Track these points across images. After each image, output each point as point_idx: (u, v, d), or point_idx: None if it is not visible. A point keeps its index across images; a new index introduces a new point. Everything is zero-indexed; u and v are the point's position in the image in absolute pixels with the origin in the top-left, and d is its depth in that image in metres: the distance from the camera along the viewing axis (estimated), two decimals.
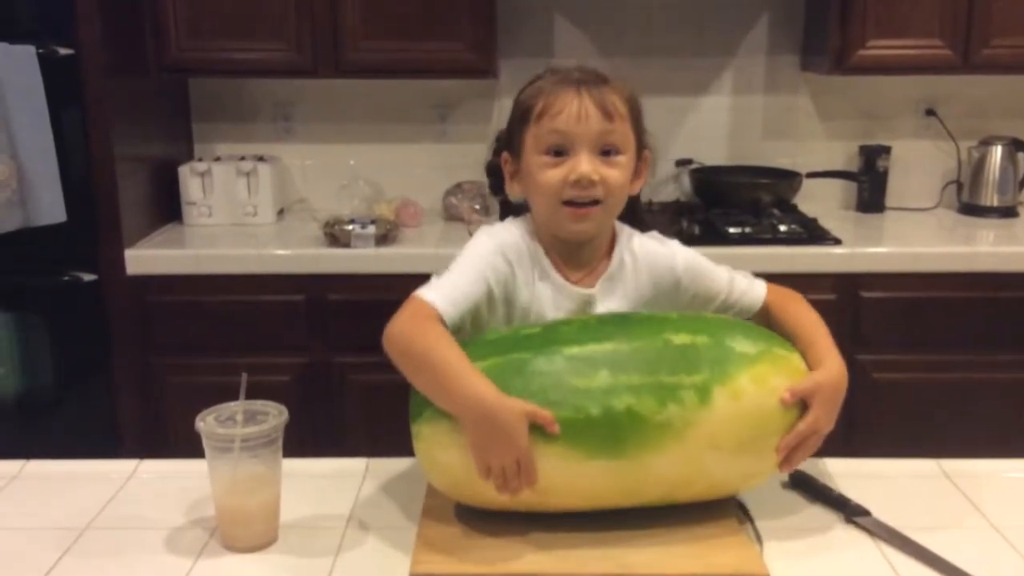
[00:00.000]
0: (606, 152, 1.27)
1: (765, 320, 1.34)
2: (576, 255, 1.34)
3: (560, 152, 1.27)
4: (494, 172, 1.40)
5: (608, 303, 1.32)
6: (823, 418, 1.18)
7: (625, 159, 1.29)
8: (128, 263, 2.52)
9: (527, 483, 1.11)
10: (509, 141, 1.35)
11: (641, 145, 1.33)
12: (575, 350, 1.14)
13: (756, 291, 1.37)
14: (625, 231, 1.38)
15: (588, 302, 1.31)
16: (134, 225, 2.59)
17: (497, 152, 1.39)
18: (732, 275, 1.38)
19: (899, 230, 2.81)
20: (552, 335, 1.17)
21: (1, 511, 1.28)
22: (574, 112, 1.25)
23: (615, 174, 1.27)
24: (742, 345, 1.16)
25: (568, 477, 1.12)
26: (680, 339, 1.15)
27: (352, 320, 2.55)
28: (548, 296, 1.31)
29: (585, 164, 1.25)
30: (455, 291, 1.23)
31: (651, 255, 1.36)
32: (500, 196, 1.43)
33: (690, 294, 1.35)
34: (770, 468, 1.19)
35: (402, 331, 1.19)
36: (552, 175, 1.27)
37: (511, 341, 1.18)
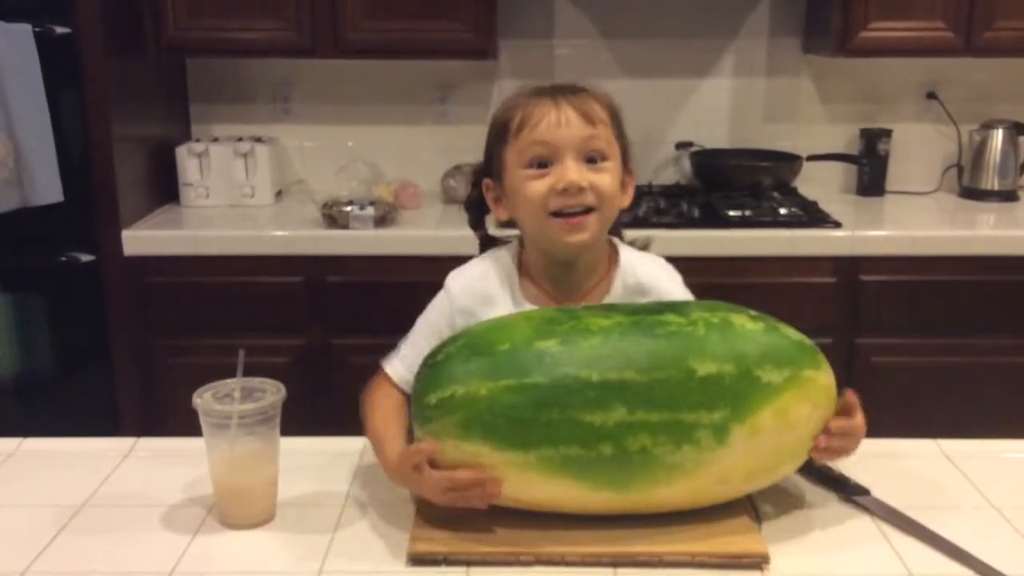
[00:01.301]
0: (591, 159, 1.24)
1: None
2: (568, 277, 1.30)
3: (544, 164, 1.24)
4: (472, 207, 1.38)
5: None
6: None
7: (612, 164, 1.26)
8: (125, 244, 2.51)
9: (490, 495, 1.08)
10: (488, 166, 1.32)
11: (626, 156, 1.30)
12: (594, 376, 1.07)
13: None
14: (630, 254, 1.34)
15: None
16: (131, 206, 2.58)
17: (475, 185, 1.36)
18: None
19: (899, 213, 2.80)
20: (571, 353, 1.09)
21: None
22: (554, 120, 1.22)
23: (604, 179, 1.24)
24: (769, 374, 1.09)
25: (571, 504, 1.12)
26: (705, 368, 1.08)
27: (350, 302, 2.54)
28: None
29: (572, 171, 1.22)
30: (417, 358, 1.20)
31: (656, 286, 1.32)
32: (480, 231, 1.40)
33: None
34: (777, 479, 1.18)
35: (363, 403, 1.28)
36: (538, 186, 1.23)
37: (525, 359, 1.09)
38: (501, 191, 1.30)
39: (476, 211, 1.38)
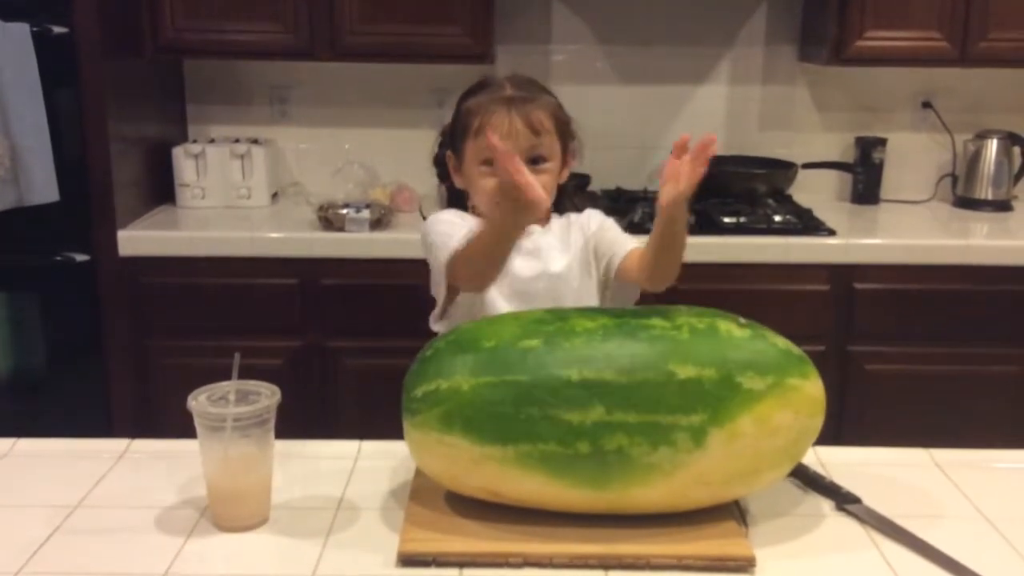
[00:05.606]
0: (534, 160, 1.51)
1: (650, 266, 1.48)
2: None
3: (494, 163, 1.40)
4: (440, 163, 1.66)
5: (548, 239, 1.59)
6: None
7: (552, 165, 1.55)
8: (121, 244, 2.51)
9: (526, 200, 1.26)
10: (453, 143, 1.60)
11: (566, 150, 1.59)
12: (574, 375, 1.09)
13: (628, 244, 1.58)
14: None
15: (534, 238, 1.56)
16: (127, 206, 2.58)
17: (443, 145, 1.66)
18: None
19: (894, 222, 2.81)
20: (554, 352, 1.11)
21: None
22: (505, 131, 1.50)
23: (543, 178, 1.49)
24: (751, 380, 1.10)
25: (550, 500, 1.13)
26: (685, 372, 1.09)
27: (345, 304, 2.54)
28: None
29: None
30: (464, 232, 1.45)
31: (577, 214, 1.65)
32: (447, 183, 1.68)
33: (598, 235, 1.60)
34: (759, 488, 1.18)
35: (453, 258, 1.46)
36: (488, 183, 1.50)
37: (509, 357, 1.11)
38: (459, 166, 1.60)
39: (442, 167, 1.66)
